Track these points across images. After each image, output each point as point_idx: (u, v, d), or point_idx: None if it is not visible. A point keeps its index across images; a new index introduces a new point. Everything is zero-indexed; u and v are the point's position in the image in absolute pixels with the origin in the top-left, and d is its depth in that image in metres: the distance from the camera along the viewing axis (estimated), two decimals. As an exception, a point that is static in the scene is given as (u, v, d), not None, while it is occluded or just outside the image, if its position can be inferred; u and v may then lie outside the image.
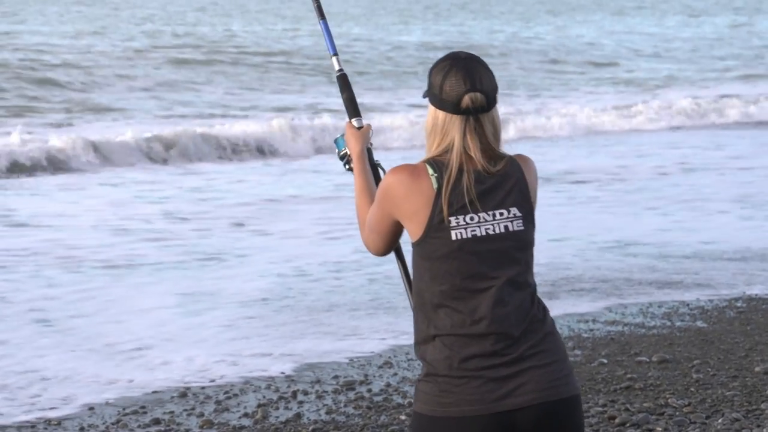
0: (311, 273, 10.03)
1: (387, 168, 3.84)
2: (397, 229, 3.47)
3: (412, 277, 3.47)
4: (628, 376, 7.20)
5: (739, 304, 9.03)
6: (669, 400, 6.70)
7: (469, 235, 3.34)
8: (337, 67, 3.99)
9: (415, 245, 3.40)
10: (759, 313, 8.75)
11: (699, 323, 8.51)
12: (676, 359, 7.58)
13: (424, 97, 3.47)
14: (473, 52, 3.47)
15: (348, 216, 12.28)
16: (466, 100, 3.35)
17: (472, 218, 3.34)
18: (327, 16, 4.00)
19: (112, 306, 8.99)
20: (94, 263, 10.30)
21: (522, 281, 3.38)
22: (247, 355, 7.80)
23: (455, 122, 3.37)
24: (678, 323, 8.52)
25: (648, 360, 7.55)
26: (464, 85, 3.36)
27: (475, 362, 3.32)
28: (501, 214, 3.36)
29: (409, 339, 8.17)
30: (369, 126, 3.86)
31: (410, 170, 3.39)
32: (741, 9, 60.31)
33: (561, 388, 3.35)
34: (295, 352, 7.88)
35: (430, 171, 3.36)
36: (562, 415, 3.35)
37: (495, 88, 3.41)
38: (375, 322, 8.57)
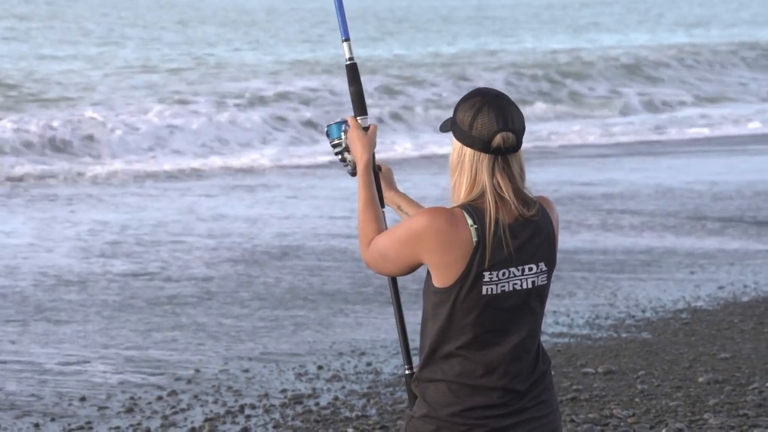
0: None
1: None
2: (416, 266, 3.34)
3: (423, 313, 3.35)
4: (574, 387, 7.26)
5: (683, 316, 9.12)
6: (614, 411, 6.76)
7: (498, 291, 3.26)
8: (347, 55, 3.69)
9: (438, 291, 3.28)
10: (703, 324, 8.85)
11: (644, 334, 8.60)
12: (621, 370, 7.65)
13: (444, 131, 3.35)
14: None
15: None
16: (498, 139, 3.24)
17: (504, 274, 3.26)
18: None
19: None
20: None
21: (535, 335, 3.35)
22: (192, 367, 7.79)
23: (483, 161, 3.25)
24: (624, 335, 8.60)
25: (594, 371, 7.62)
26: (496, 124, 3.24)
27: (479, 412, 3.30)
28: (530, 269, 3.29)
29: (352, 350, 8.19)
30: (375, 127, 3.64)
31: (448, 217, 3.23)
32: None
33: None
34: (242, 365, 7.87)
35: (470, 221, 3.23)
36: None
37: (524, 128, 3.31)
38: (329, 332, 8.59)
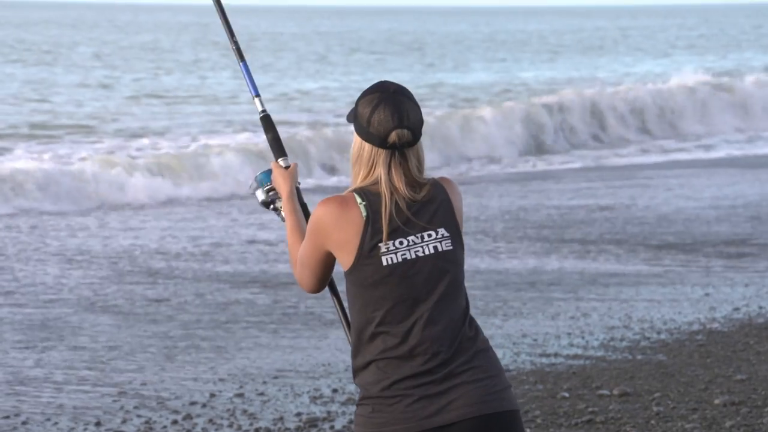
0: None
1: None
2: (328, 261, 3.52)
3: (348, 307, 3.53)
4: (590, 409, 7.25)
5: (699, 337, 9.10)
6: (629, 434, 6.75)
7: (400, 260, 3.41)
8: (260, 108, 4.02)
9: (347, 274, 3.47)
10: (719, 346, 8.82)
11: (660, 356, 8.58)
12: (636, 392, 7.64)
13: (349, 121, 3.51)
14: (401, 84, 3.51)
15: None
16: (393, 136, 3.42)
17: (401, 242, 3.41)
18: None
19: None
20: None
21: (452, 301, 3.44)
22: (207, 391, 7.80)
23: (381, 156, 3.43)
24: (639, 356, 8.58)
25: (609, 393, 7.60)
26: (392, 121, 3.41)
27: (407, 382, 3.39)
28: (429, 235, 3.43)
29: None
30: (295, 165, 3.90)
31: (339, 201, 3.45)
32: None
33: (494, 402, 3.40)
34: (257, 389, 7.88)
35: (359, 200, 3.43)
36: (497, 430, 3.40)
37: (421, 123, 3.47)
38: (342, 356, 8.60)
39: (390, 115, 3.42)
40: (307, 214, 3.81)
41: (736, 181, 18.56)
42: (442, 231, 3.44)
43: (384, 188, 3.41)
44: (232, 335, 9.26)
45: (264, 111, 4.01)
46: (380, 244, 3.40)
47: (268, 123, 4.00)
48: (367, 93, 3.48)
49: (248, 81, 4.03)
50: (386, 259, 3.40)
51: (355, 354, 3.47)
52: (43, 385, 7.98)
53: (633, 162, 22.61)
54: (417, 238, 3.42)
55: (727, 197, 16.46)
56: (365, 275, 3.41)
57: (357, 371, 3.47)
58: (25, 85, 35.54)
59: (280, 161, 3.92)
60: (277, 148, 3.94)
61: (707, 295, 10.52)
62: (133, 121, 26.96)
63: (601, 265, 11.88)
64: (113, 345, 8.98)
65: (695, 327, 9.43)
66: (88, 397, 7.75)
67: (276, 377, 8.14)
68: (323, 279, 3.56)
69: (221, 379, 8.09)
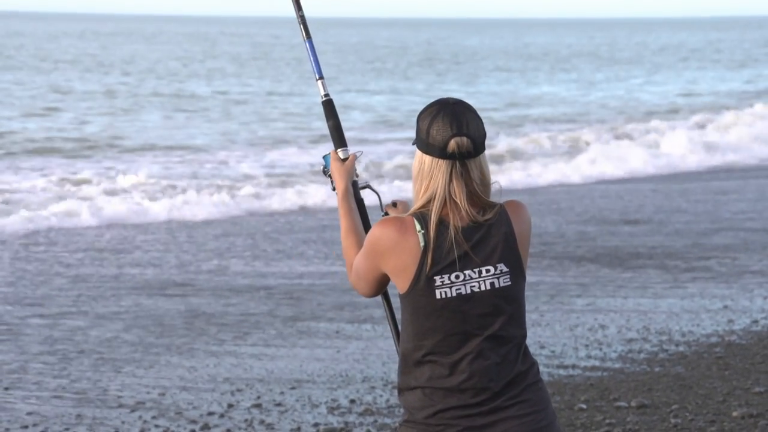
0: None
1: (376, 187, 3.85)
2: (384, 280, 3.44)
3: (399, 325, 3.46)
4: (607, 421, 7.24)
5: (717, 350, 9.08)
6: (647, 445, 6.74)
7: (454, 294, 3.31)
8: (322, 92, 3.86)
9: (402, 298, 3.39)
10: (737, 358, 8.80)
11: (678, 368, 8.56)
12: (654, 404, 7.62)
13: (413, 144, 3.43)
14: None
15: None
16: (453, 144, 3.31)
17: (457, 276, 3.31)
18: None
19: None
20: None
21: (506, 335, 3.36)
22: (225, 402, 7.82)
23: (441, 167, 3.31)
24: (657, 368, 8.56)
25: (627, 405, 7.59)
26: (451, 129, 3.31)
27: (453, 412, 3.35)
28: (487, 270, 3.33)
29: (384, 384, 8.20)
30: (354, 156, 3.78)
31: (398, 225, 3.33)
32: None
33: None
34: (275, 399, 7.90)
35: (418, 227, 3.32)
36: None
37: (483, 135, 3.36)
38: (362, 366, 8.60)
39: (448, 124, 3.31)
40: (362, 211, 3.70)
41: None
42: (501, 266, 3.33)
43: (435, 206, 3.29)
44: (251, 346, 9.28)
45: (327, 95, 3.85)
46: (435, 277, 3.30)
47: (330, 109, 3.84)
48: (426, 108, 3.39)
49: (313, 61, 3.85)
50: (440, 292, 3.31)
51: (401, 372, 3.41)
52: (63, 395, 8.01)
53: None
54: (474, 273, 3.31)
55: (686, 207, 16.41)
56: (418, 305, 3.33)
57: (402, 391, 3.41)
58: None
59: (340, 152, 3.79)
60: (338, 137, 3.80)
61: (726, 307, 10.49)
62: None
63: (619, 276, 11.86)
64: (132, 356, 9.01)
65: (713, 339, 9.41)
66: (106, 406, 7.78)
67: (294, 387, 8.16)
68: (379, 290, 3.48)
69: (239, 390, 8.11)
